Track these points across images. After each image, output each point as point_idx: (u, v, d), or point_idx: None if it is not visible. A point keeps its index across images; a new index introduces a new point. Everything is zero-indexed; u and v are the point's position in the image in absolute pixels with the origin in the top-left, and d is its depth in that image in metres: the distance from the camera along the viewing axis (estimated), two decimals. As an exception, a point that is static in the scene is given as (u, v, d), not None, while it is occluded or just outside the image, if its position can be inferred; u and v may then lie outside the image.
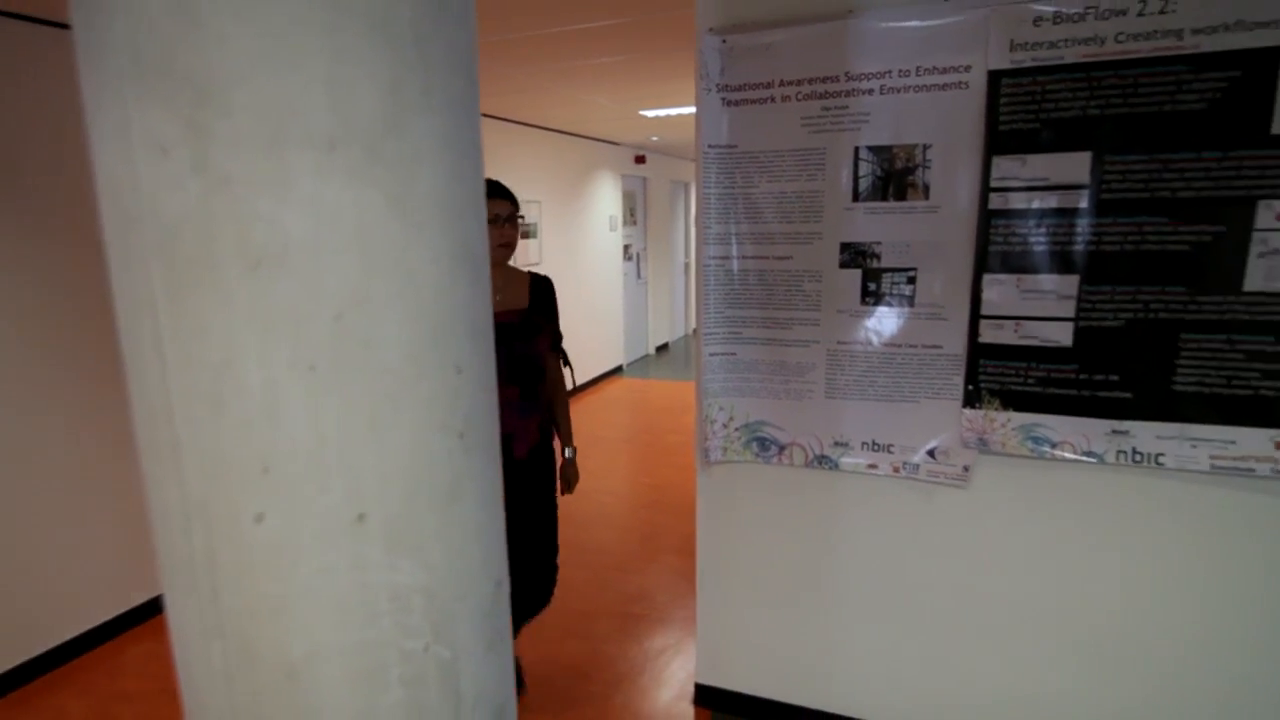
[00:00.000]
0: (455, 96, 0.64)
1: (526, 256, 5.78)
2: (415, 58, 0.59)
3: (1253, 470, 1.65)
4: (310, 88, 0.52)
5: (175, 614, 0.63)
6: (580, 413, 6.22)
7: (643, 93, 4.56)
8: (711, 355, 2.02)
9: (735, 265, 1.98)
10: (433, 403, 0.61)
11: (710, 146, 1.94)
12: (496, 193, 1.90)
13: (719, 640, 2.26)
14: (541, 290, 2.06)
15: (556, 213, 6.21)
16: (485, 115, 5.26)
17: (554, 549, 2.14)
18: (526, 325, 1.96)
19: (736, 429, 2.05)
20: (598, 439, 5.33)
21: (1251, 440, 1.65)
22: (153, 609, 2.94)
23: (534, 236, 5.82)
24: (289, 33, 0.50)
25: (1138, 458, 1.73)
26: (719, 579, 2.21)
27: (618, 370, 7.56)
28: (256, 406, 0.54)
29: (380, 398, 0.57)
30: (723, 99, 1.93)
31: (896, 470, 1.93)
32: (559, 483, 2.20)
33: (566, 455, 2.19)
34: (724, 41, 1.90)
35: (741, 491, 2.13)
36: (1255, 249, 1.59)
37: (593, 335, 6.95)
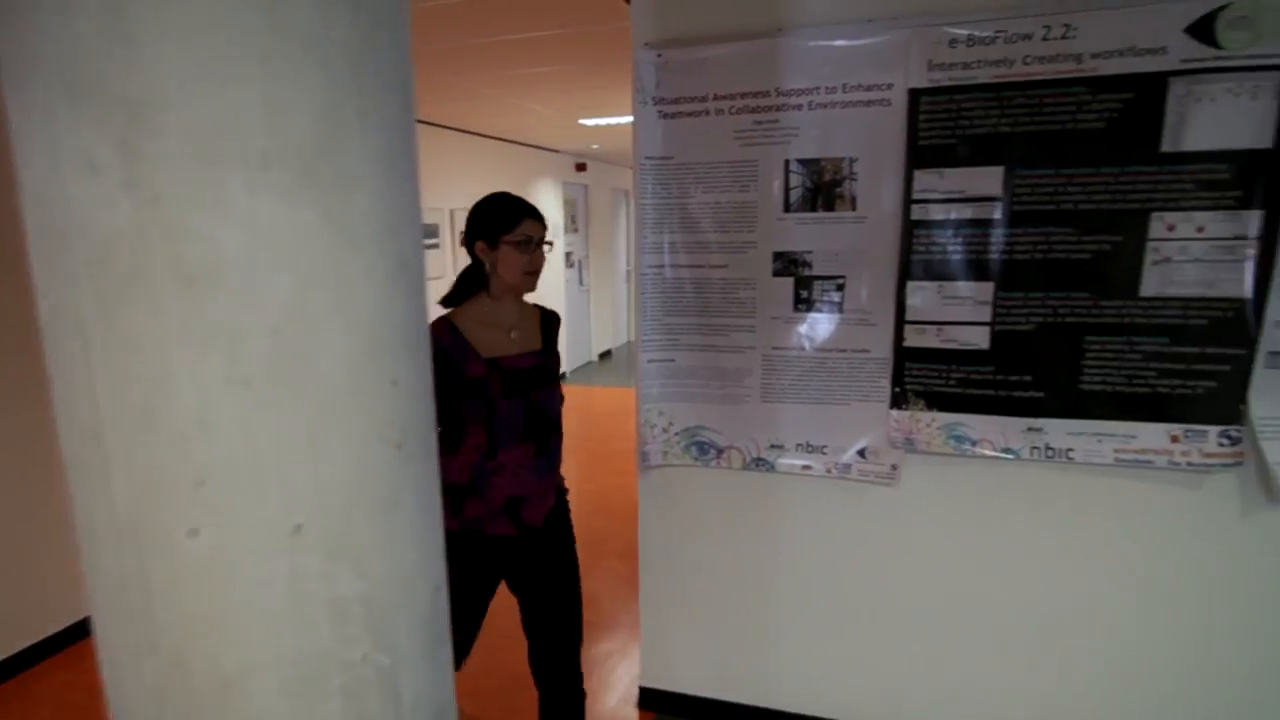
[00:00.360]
0: (390, 117, 0.66)
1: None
2: (350, 80, 0.60)
3: (1151, 462, 1.78)
4: (245, 109, 0.53)
5: (104, 633, 0.63)
6: (523, 421, 6.18)
7: (582, 102, 4.59)
8: (650, 362, 2.06)
9: (672, 274, 2.03)
10: (370, 414, 0.62)
11: (647, 158, 1.99)
12: (530, 214, 1.67)
13: (662, 643, 2.30)
14: (551, 328, 1.82)
15: (497, 220, 6.18)
16: (427, 123, 5.21)
17: (579, 620, 1.83)
18: (543, 372, 1.72)
19: (676, 434, 2.10)
20: (541, 447, 5.32)
21: (1150, 435, 1.78)
22: (69, 637, 2.79)
23: (474, 244, 5.79)
24: (225, 55, 0.51)
25: (1050, 453, 1.84)
26: (661, 582, 2.24)
27: (561, 377, 7.55)
28: (190, 422, 0.54)
29: (317, 410, 0.58)
30: (659, 111, 1.98)
31: (829, 471, 2.00)
32: None
33: None
34: (659, 56, 1.95)
35: (681, 495, 2.17)
36: (1150, 257, 1.72)
37: (535, 343, 6.92)
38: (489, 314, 1.67)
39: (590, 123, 5.33)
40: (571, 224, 7.96)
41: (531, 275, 1.68)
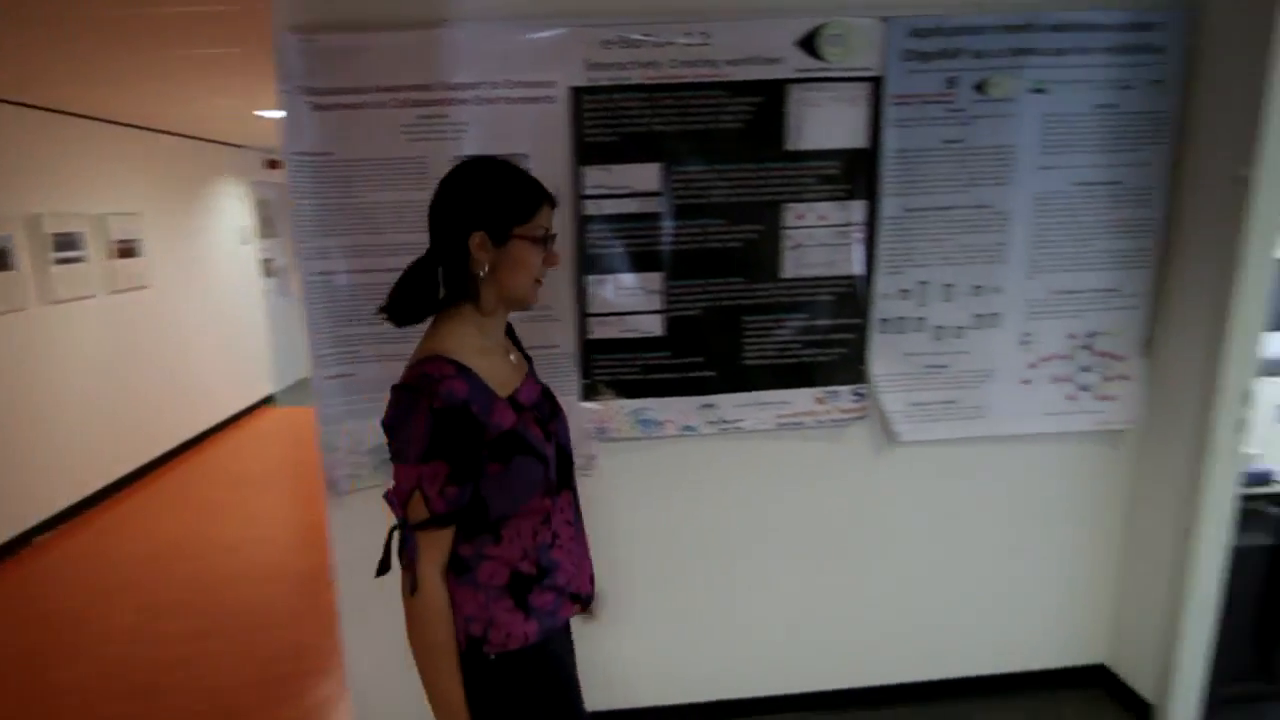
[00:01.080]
0: None
1: (131, 278, 4.85)
2: None
3: (802, 423, 2.03)
4: None
5: None
6: (223, 453, 5.42)
7: (254, 92, 4.09)
8: (327, 379, 1.87)
9: (344, 280, 1.85)
10: None
11: (298, 153, 1.79)
12: (548, 198, 1.22)
13: (372, 678, 2.13)
14: (515, 336, 1.41)
15: (167, 225, 5.30)
16: (63, 113, 4.29)
17: None
18: (550, 397, 1.33)
19: (364, 454, 1.93)
20: (245, 481, 4.70)
21: (800, 399, 2.03)
22: None
23: (139, 254, 4.90)
24: None
25: (724, 425, 2.02)
26: (364, 615, 2.07)
27: (268, 400, 6.75)
28: None
29: None
30: (311, 103, 1.79)
31: (530, 469, 1.99)
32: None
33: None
34: (307, 41, 1.76)
35: (380, 519, 2.01)
36: (786, 243, 1.95)
37: (232, 362, 6.10)
38: (485, 337, 1.21)
39: (269, 115, 4.78)
40: (268, 228, 7.13)
41: (539, 283, 1.25)
